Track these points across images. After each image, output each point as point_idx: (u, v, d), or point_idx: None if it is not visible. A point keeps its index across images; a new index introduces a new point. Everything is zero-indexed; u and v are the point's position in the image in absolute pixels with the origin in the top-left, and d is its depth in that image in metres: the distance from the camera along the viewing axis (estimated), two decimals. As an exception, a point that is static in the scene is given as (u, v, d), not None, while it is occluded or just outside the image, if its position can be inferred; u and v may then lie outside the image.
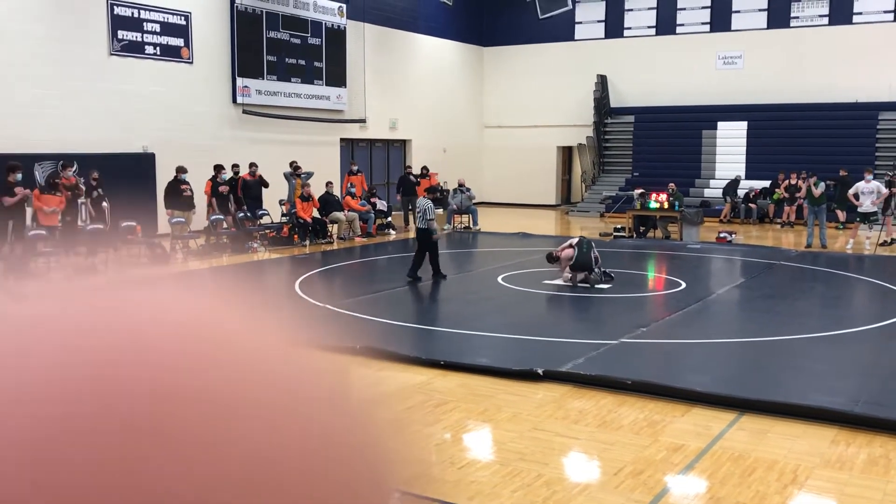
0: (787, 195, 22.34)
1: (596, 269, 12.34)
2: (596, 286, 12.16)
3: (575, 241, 12.66)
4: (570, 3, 26.49)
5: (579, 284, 12.24)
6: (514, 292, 12.13)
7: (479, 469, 5.41)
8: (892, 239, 17.36)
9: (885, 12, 23.90)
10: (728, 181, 23.88)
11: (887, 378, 7.60)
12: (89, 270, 13.37)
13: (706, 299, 11.46)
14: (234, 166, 17.86)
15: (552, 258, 12.79)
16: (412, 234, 19.91)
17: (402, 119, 26.10)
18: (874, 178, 17.54)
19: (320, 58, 22.63)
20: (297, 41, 21.97)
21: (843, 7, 24.42)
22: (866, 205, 17.18)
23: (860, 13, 24.23)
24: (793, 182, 22.11)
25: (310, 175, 18.88)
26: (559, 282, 12.51)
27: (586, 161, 28.11)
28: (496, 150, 29.87)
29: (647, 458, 5.58)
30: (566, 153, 29.91)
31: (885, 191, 17.31)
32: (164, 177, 17.21)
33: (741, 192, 23.59)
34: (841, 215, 19.55)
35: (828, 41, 24.47)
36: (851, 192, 17.57)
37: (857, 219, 17.56)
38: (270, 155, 19.95)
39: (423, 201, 12.99)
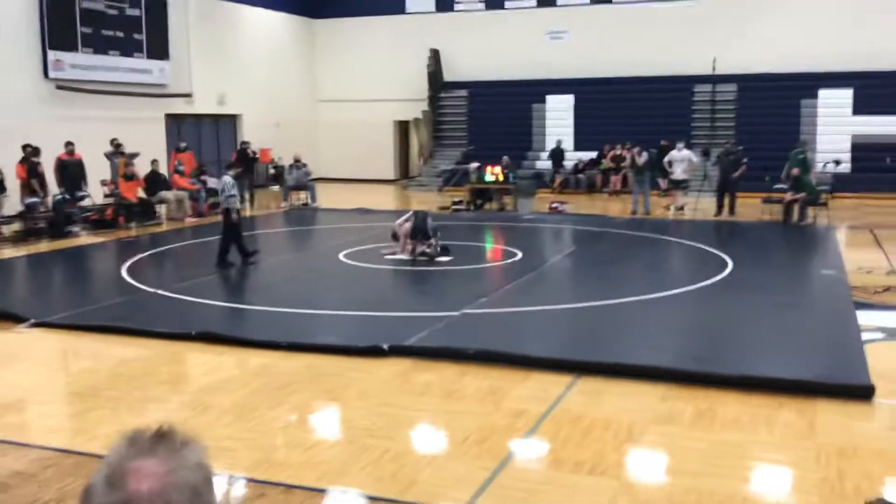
0: (613, 165, 23.41)
1: (433, 241, 12.43)
2: (435, 259, 12.28)
3: (410, 213, 12.78)
4: (400, -25, 26.41)
5: (419, 258, 12.32)
6: (355, 269, 12.05)
7: (327, 449, 5.34)
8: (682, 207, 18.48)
9: (697, -10, 25.35)
10: (550, 151, 24.76)
11: (709, 335, 8.12)
12: None
13: (541, 268, 11.82)
14: (69, 143, 16.66)
15: (395, 236, 12.75)
16: (246, 214, 19.39)
17: (231, 93, 25.23)
18: (685, 147, 18.64)
19: (140, 29, 21.43)
20: (114, 12, 20.69)
21: (659, -15, 25.70)
22: (678, 172, 18.28)
23: (675, -9, 25.58)
24: (618, 153, 23.21)
25: (134, 156, 17.89)
26: (401, 256, 12.53)
27: (423, 135, 28.27)
28: (332, 124, 29.50)
29: (492, 425, 5.68)
30: (403, 127, 29.95)
31: (696, 159, 18.45)
32: (-31, 158, 15.84)
33: (569, 163, 24.47)
34: (663, 183, 20.64)
35: (646, 17, 25.68)
36: (666, 160, 18.62)
37: (671, 185, 18.63)
38: (90, 133, 18.72)
39: (224, 179, 12.09)
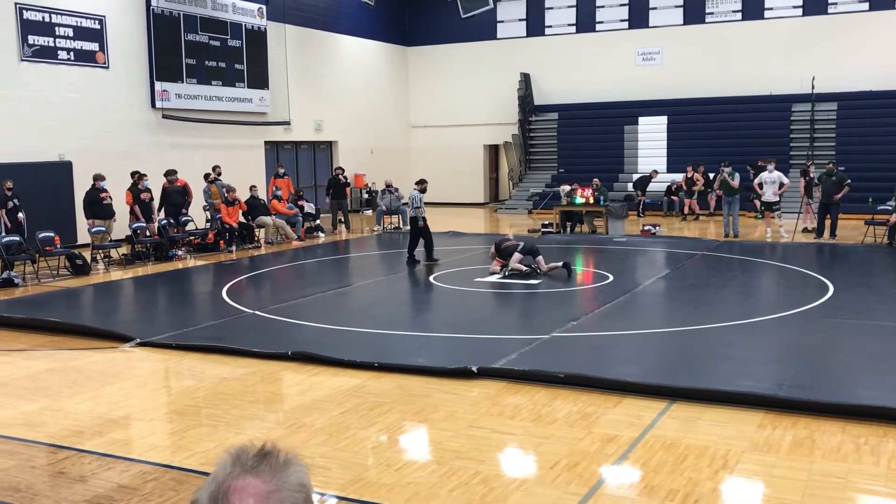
0: (685, 188, 23.04)
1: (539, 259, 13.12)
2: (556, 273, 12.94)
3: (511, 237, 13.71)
4: (491, 2, 26.57)
5: (533, 269, 12.88)
6: (446, 291, 12.15)
7: (416, 470, 5.39)
8: (811, 227, 17.90)
9: (794, 7, 24.70)
10: (640, 176, 24.43)
11: (808, 361, 7.85)
12: (7, 283, 12.89)
13: (633, 291, 11.66)
14: (171, 172, 17.43)
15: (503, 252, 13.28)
16: (342, 237, 19.83)
17: (327, 121, 25.88)
18: (776, 169, 18.10)
19: (241, 60, 22.27)
20: (217, 43, 21.58)
21: (755, 3, 25.14)
22: (768, 194, 17.74)
23: (771, 8, 24.99)
24: (689, 175, 22.92)
25: (231, 189, 18.19)
26: (493, 279, 12.60)
27: (513, 159, 28.34)
28: (424, 149, 29.88)
29: (582, 451, 5.63)
30: (493, 151, 30.10)
31: (786, 181, 17.88)
32: (81, 185, 16.71)
33: (660, 185, 24.07)
34: (759, 204, 20.11)
35: (741, 36, 25.19)
36: (756, 181, 18.13)
37: (762, 207, 18.07)
38: (193, 160, 19.56)
39: (412, 193, 14.52)
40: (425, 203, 14.91)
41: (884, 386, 6.89)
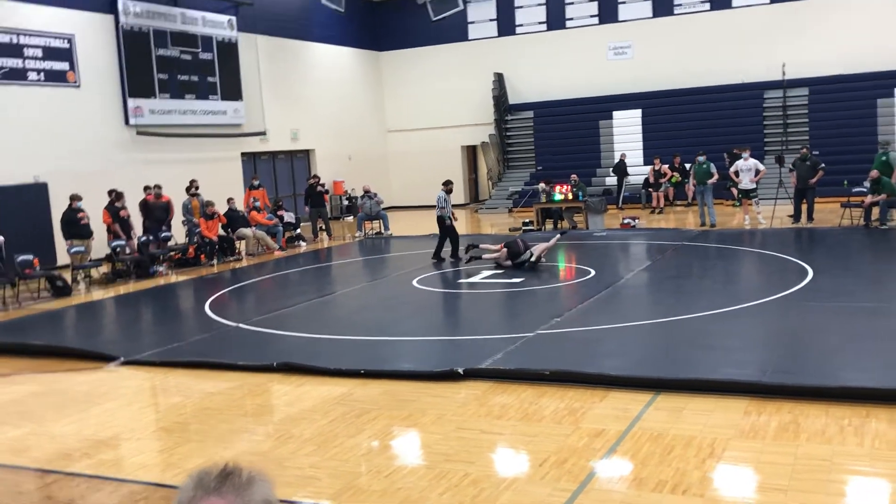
0: (652, 180, 23.15)
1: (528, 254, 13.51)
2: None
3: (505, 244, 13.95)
4: (461, 3, 26.63)
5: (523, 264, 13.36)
6: (429, 294, 12.16)
7: (406, 475, 5.40)
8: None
9: (762, -5, 24.94)
10: (614, 165, 24.44)
11: (791, 346, 7.92)
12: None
13: (615, 285, 11.72)
14: (156, 186, 17.44)
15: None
16: (323, 245, 19.80)
17: (303, 129, 25.83)
18: (752, 156, 18.23)
19: (213, 72, 22.19)
20: (188, 57, 21.49)
21: (722, -7, 25.38)
22: (745, 182, 17.85)
23: (738, -3, 25.21)
24: (656, 168, 23.04)
25: (210, 203, 18.15)
26: (476, 279, 12.62)
27: (491, 159, 28.39)
28: (401, 153, 29.89)
29: (571, 446, 5.66)
30: (471, 152, 30.14)
31: (762, 168, 18.01)
32: (58, 206, 16.59)
33: (639, 178, 24.16)
34: (736, 192, 20.25)
35: (710, 26, 25.37)
36: (732, 169, 18.26)
37: (740, 195, 18.19)
38: (170, 175, 19.45)
39: (439, 194, 15.06)
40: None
41: (865, 367, 6.97)
